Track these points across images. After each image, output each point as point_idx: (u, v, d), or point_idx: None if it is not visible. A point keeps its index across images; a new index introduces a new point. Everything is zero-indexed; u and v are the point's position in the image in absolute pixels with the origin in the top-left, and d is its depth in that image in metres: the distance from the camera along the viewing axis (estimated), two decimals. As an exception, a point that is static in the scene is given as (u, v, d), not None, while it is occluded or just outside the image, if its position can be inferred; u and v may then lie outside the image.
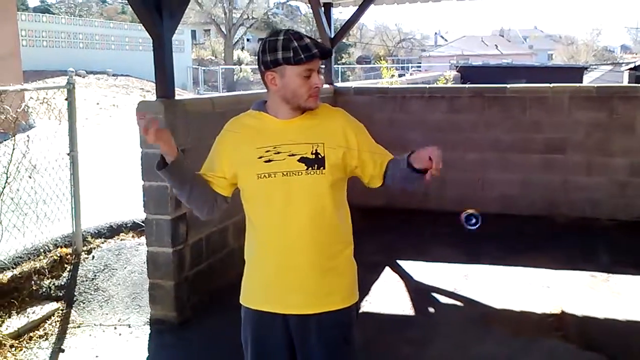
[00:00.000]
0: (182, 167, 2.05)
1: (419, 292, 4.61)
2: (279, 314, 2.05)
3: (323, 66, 2.01)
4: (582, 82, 21.92)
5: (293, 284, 2.02)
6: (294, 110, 2.01)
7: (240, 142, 2.04)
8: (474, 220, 2.01)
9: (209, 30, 44.16)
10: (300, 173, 1.97)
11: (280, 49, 1.91)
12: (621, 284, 4.66)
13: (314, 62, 1.94)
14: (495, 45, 58.46)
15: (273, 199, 1.98)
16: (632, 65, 23.91)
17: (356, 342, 2.17)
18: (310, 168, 1.97)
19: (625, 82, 22.94)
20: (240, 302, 2.17)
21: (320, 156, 1.98)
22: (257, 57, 2.02)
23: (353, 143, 2.04)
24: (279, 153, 1.98)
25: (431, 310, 4.40)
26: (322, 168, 1.98)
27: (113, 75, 22.56)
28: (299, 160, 1.97)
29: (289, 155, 1.97)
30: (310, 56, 1.91)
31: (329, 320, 2.04)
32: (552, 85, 6.58)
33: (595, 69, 36.21)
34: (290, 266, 2.01)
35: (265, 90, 2.06)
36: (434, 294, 4.58)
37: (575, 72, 26.46)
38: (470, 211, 2.01)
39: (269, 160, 1.98)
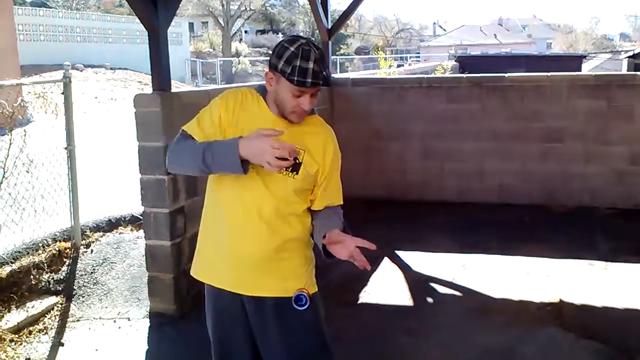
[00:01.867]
0: None
1: (418, 283, 4.62)
2: (237, 294, 2.11)
3: (317, 88, 1.98)
4: (580, 71, 21.88)
5: (247, 267, 2.07)
6: (281, 115, 2.04)
7: (237, 114, 2.06)
8: (303, 301, 2.04)
9: (207, 22, 44.00)
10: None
11: (284, 59, 1.92)
12: (620, 272, 4.67)
13: (308, 88, 1.94)
14: (494, 34, 58.31)
15: (242, 184, 2.02)
16: (631, 53, 23.83)
17: (324, 336, 2.19)
18: (285, 169, 1.99)
19: (624, 71, 22.87)
20: (191, 273, 2.25)
21: (297, 162, 2.01)
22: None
23: (327, 164, 2.09)
24: None
25: (430, 300, 4.40)
26: (295, 173, 2.03)
27: (111, 68, 22.50)
28: (277, 158, 1.95)
29: None
30: (301, 83, 1.91)
31: (286, 305, 2.07)
32: (550, 74, 6.56)
33: (594, 57, 36.13)
34: (245, 250, 2.06)
35: (262, 82, 2.09)
36: (433, 284, 4.59)
37: (574, 61, 26.39)
38: (299, 292, 2.05)
39: None
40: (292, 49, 1.92)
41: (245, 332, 2.16)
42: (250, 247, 2.05)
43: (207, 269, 2.19)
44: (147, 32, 3.92)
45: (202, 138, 2.06)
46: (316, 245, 2.09)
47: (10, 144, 4.25)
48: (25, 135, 4.31)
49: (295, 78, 1.90)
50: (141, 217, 4.42)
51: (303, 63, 1.90)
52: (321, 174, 2.09)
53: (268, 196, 2.02)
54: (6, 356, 3.53)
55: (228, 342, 2.22)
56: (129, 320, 4.02)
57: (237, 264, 2.08)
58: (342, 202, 2.18)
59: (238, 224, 2.05)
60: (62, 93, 4.62)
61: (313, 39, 2.01)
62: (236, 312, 2.14)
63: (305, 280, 2.14)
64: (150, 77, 4.07)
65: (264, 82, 2.04)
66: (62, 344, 3.72)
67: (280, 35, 43.75)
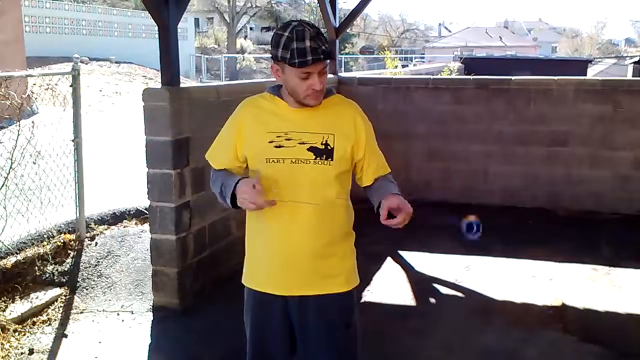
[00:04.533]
0: None
1: (421, 283, 4.63)
2: (279, 296, 2.07)
3: (327, 63, 1.96)
4: (586, 75, 21.83)
5: (293, 267, 2.04)
6: (298, 102, 2.01)
7: (254, 123, 2.05)
8: (475, 229, 2.03)
9: (212, 18, 43.99)
10: (308, 162, 1.98)
11: (281, 46, 1.91)
12: (622, 277, 4.68)
13: (311, 66, 1.91)
14: (500, 36, 58.18)
15: (280, 184, 1.99)
16: (636, 59, 23.80)
17: (357, 327, 2.18)
18: (318, 158, 1.98)
19: (629, 76, 22.87)
20: (242, 282, 2.20)
21: (329, 147, 1.99)
22: None
23: (361, 138, 2.07)
24: (289, 140, 1.99)
25: (432, 300, 4.41)
26: (329, 159, 1.99)
27: (116, 62, 22.47)
28: (308, 149, 1.98)
29: (299, 143, 1.99)
30: (302, 63, 1.88)
31: (328, 304, 2.07)
32: (556, 77, 6.56)
33: (599, 62, 36.06)
34: (291, 250, 2.03)
35: (268, 79, 2.08)
36: (436, 285, 4.60)
37: (579, 65, 26.37)
38: (471, 219, 2.02)
39: (279, 146, 1.99)
40: (286, 34, 1.90)
41: (286, 335, 2.12)
42: (298, 246, 2.03)
43: (253, 274, 2.16)
44: (157, 26, 3.92)
45: (219, 166, 2.14)
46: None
47: (18, 135, 4.26)
48: (33, 126, 4.32)
49: (296, 60, 1.88)
50: (146, 211, 4.45)
51: (299, 44, 1.88)
52: (357, 150, 2.06)
53: (309, 191, 1.99)
54: (10, 346, 3.54)
55: (266, 340, 2.16)
56: (132, 313, 4.03)
57: (284, 266, 2.05)
58: (389, 170, 2.17)
59: (282, 224, 2.03)
60: (71, 85, 4.63)
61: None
62: (278, 315, 2.10)
63: (348, 276, 2.13)
64: (154, 71, 4.10)
65: (263, 84, 2.05)
66: (66, 336, 3.73)
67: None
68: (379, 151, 2.16)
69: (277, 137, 2.00)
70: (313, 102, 2.00)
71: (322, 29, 1.96)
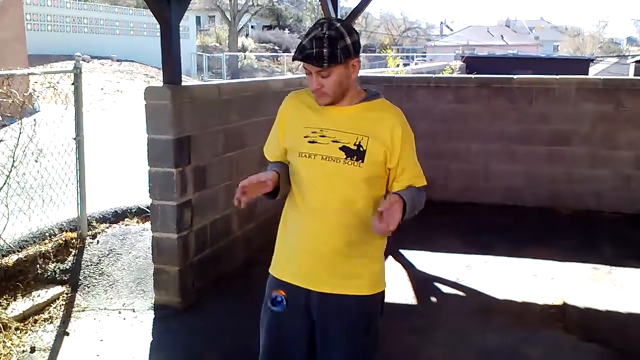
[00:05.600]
0: (284, 184, 2.10)
1: (422, 282, 4.63)
2: (302, 288, 2.06)
3: (323, 67, 1.94)
4: (588, 74, 21.81)
5: (318, 262, 2.04)
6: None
7: (294, 117, 2.08)
8: (280, 301, 2.05)
9: (214, 16, 43.96)
10: (338, 160, 1.98)
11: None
12: (623, 276, 4.68)
13: (307, 65, 1.92)
14: (501, 35, 58.18)
15: (311, 179, 2.02)
16: (638, 58, 23.77)
17: (377, 333, 2.16)
18: (349, 158, 1.97)
19: (631, 75, 22.84)
20: (269, 271, 2.18)
21: (361, 149, 1.98)
22: None
23: (397, 145, 2.02)
24: (323, 137, 2.00)
25: (434, 299, 4.42)
26: (360, 161, 1.98)
27: (117, 60, 22.48)
28: (340, 148, 1.98)
29: (333, 141, 1.99)
30: (295, 58, 1.92)
31: (351, 305, 2.05)
32: (558, 76, 6.56)
33: (601, 61, 36.04)
34: (317, 245, 2.04)
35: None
36: (437, 284, 4.60)
37: (581, 64, 26.32)
38: (276, 294, 2.05)
39: (313, 142, 2.00)
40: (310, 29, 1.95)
41: (305, 330, 2.09)
42: (322, 242, 2.03)
43: (280, 264, 2.15)
44: (159, 25, 3.92)
45: (272, 159, 2.18)
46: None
47: (20, 133, 4.27)
48: (35, 124, 4.32)
49: (294, 54, 1.93)
50: (147, 209, 4.44)
51: (303, 40, 1.91)
52: (391, 157, 2.02)
53: (336, 189, 2.00)
54: (12, 344, 3.55)
55: (283, 339, 2.13)
56: (134, 311, 4.03)
57: (309, 259, 2.05)
58: (425, 183, 2.11)
59: (311, 219, 2.04)
60: (73, 83, 4.63)
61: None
62: (300, 307, 2.07)
63: (373, 280, 2.10)
64: (156, 70, 4.11)
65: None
66: (67, 334, 3.73)
67: (286, 31, 43.71)
68: (416, 162, 2.11)
69: (313, 132, 2.01)
70: (319, 101, 2.01)
71: (349, 32, 1.92)
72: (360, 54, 2.02)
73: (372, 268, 2.12)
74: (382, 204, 1.85)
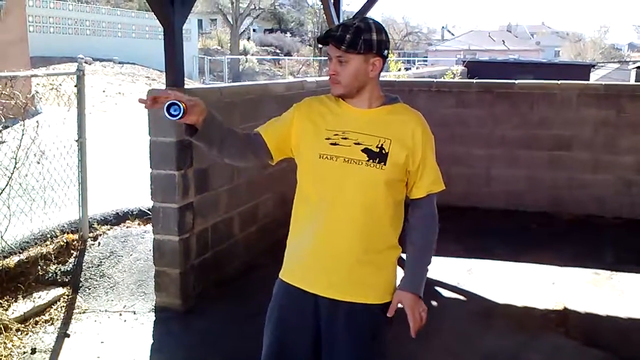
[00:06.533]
0: (211, 129, 2.07)
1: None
2: (311, 293, 2.02)
3: (343, 50, 1.95)
4: (589, 80, 21.82)
5: (330, 267, 2.00)
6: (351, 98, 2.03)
7: (314, 118, 2.05)
8: (177, 111, 1.93)
9: (216, 19, 44.01)
10: (360, 163, 1.96)
11: None
12: (624, 282, 4.68)
13: (329, 48, 1.95)
14: (503, 40, 58.20)
15: (329, 181, 1.98)
16: (639, 64, 23.77)
17: (384, 343, 2.14)
18: (371, 160, 1.95)
19: (632, 81, 22.84)
20: (279, 276, 2.14)
21: (384, 152, 1.96)
22: None
23: (418, 148, 2.02)
24: (346, 139, 1.98)
25: (434, 303, 4.41)
26: (382, 163, 1.96)
27: (119, 63, 22.51)
28: (362, 150, 1.96)
29: (355, 144, 1.97)
30: (318, 38, 1.97)
31: (359, 313, 2.02)
32: (560, 82, 6.57)
33: (602, 66, 36.06)
34: (331, 249, 1.99)
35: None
36: (438, 288, 4.60)
37: (582, 70, 26.28)
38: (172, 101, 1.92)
39: (335, 144, 1.98)
40: None
41: (310, 335, 2.05)
42: (338, 247, 1.99)
43: (290, 268, 2.11)
44: (162, 27, 3.93)
45: (258, 130, 2.13)
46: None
47: (23, 134, 4.27)
48: (37, 126, 4.33)
49: (318, 37, 1.98)
50: (149, 212, 4.45)
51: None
52: (412, 160, 2.01)
53: (357, 191, 1.97)
54: (12, 345, 3.55)
55: (288, 344, 2.08)
56: (135, 313, 4.03)
57: (322, 263, 2.01)
58: (443, 188, 2.12)
59: (325, 222, 1.99)
60: (76, 85, 4.64)
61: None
62: (307, 312, 2.03)
63: (384, 289, 2.08)
64: (158, 72, 4.12)
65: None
66: (68, 335, 3.74)
67: (288, 35, 43.78)
68: (436, 166, 2.11)
69: (335, 135, 1.99)
70: (333, 91, 2.01)
71: (378, 30, 1.95)
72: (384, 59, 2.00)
73: (385, 277, 2.09)
74: (410, 321, 2.06)
